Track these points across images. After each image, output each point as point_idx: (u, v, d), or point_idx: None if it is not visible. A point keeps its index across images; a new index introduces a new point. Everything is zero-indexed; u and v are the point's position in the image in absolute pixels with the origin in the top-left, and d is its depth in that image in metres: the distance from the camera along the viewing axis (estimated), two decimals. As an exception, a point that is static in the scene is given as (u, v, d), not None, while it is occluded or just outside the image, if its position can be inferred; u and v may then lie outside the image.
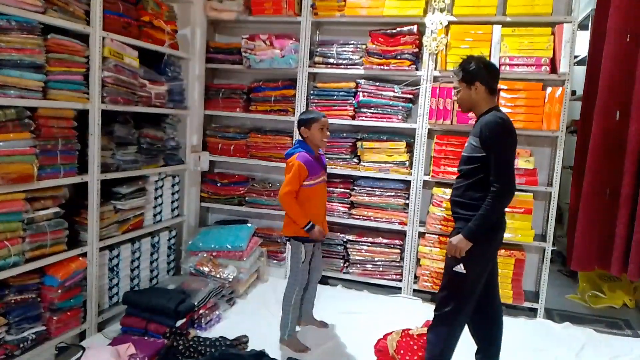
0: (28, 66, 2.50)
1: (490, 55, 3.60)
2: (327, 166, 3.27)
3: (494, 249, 2.55)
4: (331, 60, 4.05)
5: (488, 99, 2.51)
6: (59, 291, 2.75)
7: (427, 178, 3.88)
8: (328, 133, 3.03)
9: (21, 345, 2.56)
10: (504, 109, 3.58)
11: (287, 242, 3.01)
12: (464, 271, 2.41)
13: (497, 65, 3.58)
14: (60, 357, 2.75)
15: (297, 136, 4.07)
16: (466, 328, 2.62)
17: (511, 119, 2.50)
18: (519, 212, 3.62)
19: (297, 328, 3.22)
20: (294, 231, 2.99)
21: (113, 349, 2.69)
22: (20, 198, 2.51)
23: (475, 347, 2.75)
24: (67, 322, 2.87)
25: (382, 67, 3.87)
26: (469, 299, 2.48)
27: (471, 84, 2.49)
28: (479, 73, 2.48)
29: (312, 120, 2.97)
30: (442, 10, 3.71)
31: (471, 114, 3.00)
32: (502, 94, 3.61)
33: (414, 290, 3.97)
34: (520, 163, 3.63)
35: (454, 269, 2.45)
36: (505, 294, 3.64)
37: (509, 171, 2.38)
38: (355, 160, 4.07)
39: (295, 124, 4.06)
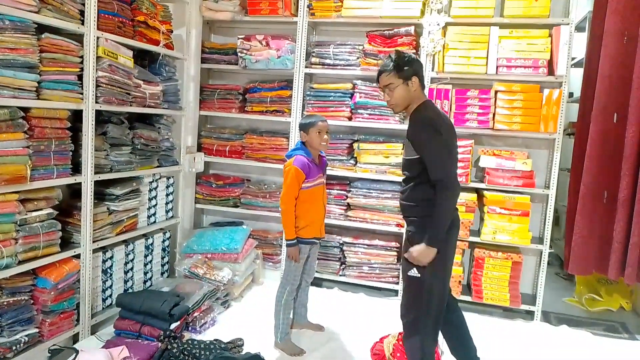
0: (21, 66, 2.47)
1: (487, 57, 3.60)
2: (324, 167, 3.26)
3: (450, 249, 2.43)
4: (328, 61, 4.02)
5: (421, 93, 2.42)
6: (52, 293, 2.71)
7: (423, 180, 3.85)
8: (327, 137, 3.02)
9: (14, 347, 2.52)
10: (501, 111, 3.60)
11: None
12: (418, 275, 2.31)
13: (495, 67, 3.59)
14: (53, 360, 2.73)
15: (294, 137, 4.07)
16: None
17: (445, 113, 2.41)
18: (516, 215, 3.61)
19: (290, 330, 3.19)
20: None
21: (106, 352, 2.67)
22: (13, 199, 2.48)
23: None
24: (60, 325, 2.83)
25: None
26: (430, 303, 2.34)
27: (409, 79, 2.34)
28: (416, 66, 2.38)
29: (309, 125, 2.98)
30: (439, 12, 3.69)
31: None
32: (499, 95, 3.60)
33: (411, 293, 3.95)
34: (518, 165, 3.62)
35: (408, 273, 2.36)
36: (502, 296, 3.64)
37: (443, 165, 2.27)
38: (351, 161, 4.05)
39: (292, 125, 4.06)
